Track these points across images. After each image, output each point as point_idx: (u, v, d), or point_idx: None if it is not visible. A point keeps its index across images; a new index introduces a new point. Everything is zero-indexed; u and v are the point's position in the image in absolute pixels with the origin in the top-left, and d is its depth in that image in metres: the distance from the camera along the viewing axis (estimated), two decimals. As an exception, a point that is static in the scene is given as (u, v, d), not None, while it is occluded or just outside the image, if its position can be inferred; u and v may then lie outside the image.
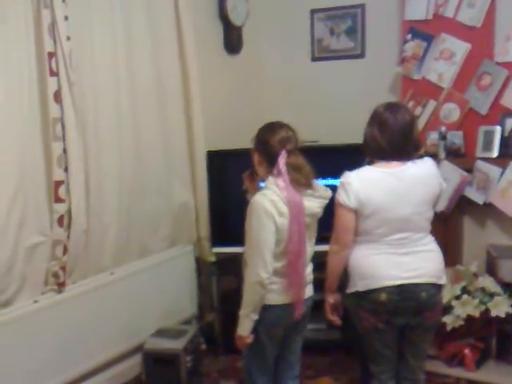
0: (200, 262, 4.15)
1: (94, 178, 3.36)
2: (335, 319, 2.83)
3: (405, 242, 2.64)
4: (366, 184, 2.62)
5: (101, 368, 3.43)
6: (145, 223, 3.75)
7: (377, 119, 2.67)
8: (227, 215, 3.98)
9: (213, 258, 4.09)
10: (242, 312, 2.62)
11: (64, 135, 3.12)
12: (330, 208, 2.71)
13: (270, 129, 2.66)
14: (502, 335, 3.66)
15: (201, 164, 4.03)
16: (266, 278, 2.54)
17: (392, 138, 2.62)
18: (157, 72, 3.74)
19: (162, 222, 3.89)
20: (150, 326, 3.49)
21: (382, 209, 2.61)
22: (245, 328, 2.62)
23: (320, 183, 2.71)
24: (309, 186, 2.61)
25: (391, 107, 2.68)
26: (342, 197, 2.64)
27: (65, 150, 3.14)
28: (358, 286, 2.68)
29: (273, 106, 4.66)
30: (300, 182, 2.57)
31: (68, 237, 3.20)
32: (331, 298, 2.81)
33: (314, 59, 4.61)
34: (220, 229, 4.00)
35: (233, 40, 4.45)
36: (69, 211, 3.19)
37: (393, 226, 2.62)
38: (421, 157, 2.72)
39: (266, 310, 2.63)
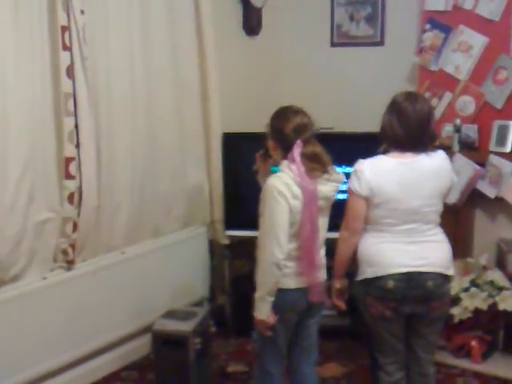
0: (213, 245, 3.96)
1: (106, 155, 3.17)
2: (340, 304, 2.71)
3: (413, 232, 2.52)
4: (378, 173, 2.48)
5: (109, 346, 3.30)
6: (158, 203, 3.56)
7: (396, 108, 2.52)
8: (241, 198, 3.78)
9: (226, 241, 3.90)
10: (258, 295, 2.43)
11: (76, 111, 2.93)
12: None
13: (284, 116, 2.46)
14: (509, 328, 3.49)
15: (216, 146, 3.82)
16: (282, 258, 2.37)
17: (409, 128, 2.48)
18: (173, 51, 3.52)
19: (176, 203, 3.69)
20: (161, 306, 3.30)
21: (393, 199, 2.48)
22: (262, 311, 2.44)
23: (334, 167, 2.54)
24: (325, 171, 2.45)
25: (411, 97, 2.53)
26: (354, 184, 2.51)
27: (76, 126, 2.95)
28: (366, 273, 2.55)
29: (290, 89, 4.42)
30: (316, 170, 2.41)
31: (78, 214, 3.03)
32: (338, 283, 2.68)
33: (333, 45, 4.36)
34: (234, 212, 3.82)
35: (252, 21, 4.21)
36: (79, 188, 3.02)
37: (402, 216, 2.50)
38: (435, 149, 2.56)
39: (278, 294, 2.44)
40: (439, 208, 2.57)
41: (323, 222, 2.52)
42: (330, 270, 2.65)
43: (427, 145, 2.52)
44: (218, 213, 3.88)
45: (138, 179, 3.39)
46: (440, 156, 2.57)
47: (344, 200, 2.57)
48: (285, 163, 2.42)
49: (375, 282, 2.52)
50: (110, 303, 3.22)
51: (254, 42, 4.25)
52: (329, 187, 2.47)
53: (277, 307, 2.46)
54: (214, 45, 3.71)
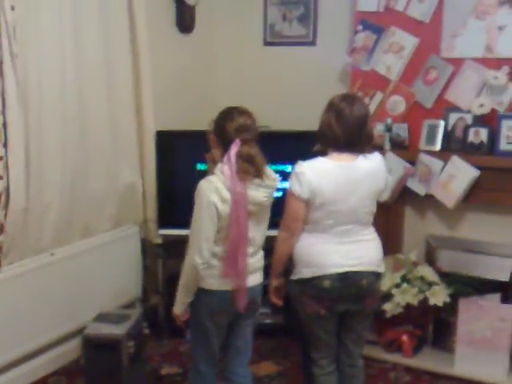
0: (146, 244, 3.92)
1: (35, 155, 3.09)
2: (277, 301, 2.75)
3: (349, 233, 2.59)
4: (318, 175, 2.52)
5: (39, 351, 3.21)
6: (89, 202, 3.50)
7: (333, 109, 2.56)
8: (175, 197, 3.77)
9: (159, 240, 3.89)
10: (178, 292, 2.53)
11: (4, 109, 2.84)
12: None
13: (229, 115, 2.48)
14: (438, 323, 3.62)
15: (149, 144, 3.80)
16: (200, 263, 2.42)
17: (348, 129, 2.53)
18: (105, 47, 3.47)
19: (107, 202, 3.64)
20: (92, 309, 3.23)
21: (332, 201, 2.53)
22: (179, 307, 2.54)
23: (270, 171, 2.56)
24: (258, 176, 2.47)
25: (348, 98, 2.59)
26: (294, 187, 2.53)
27: (4, 125, 2.86)
28: (302, 273, 2.60)
29: (224, 88, 4.45)
30: (248, 172, 2.43)
31: (5, 215, 2.93)
32: (275, 282, 2.72)
33: (266, 44, 4.39)
34: (167, 211, 3.80)
35: (185, 19, 4.18)
36: (6, 189, 2.92)
37: (340, 217, 2.55)
38: (371, 151, 2.63)
39: (207, 294, 2.50)
40: (373, 208, 2.64)
41: (257, 226, 2.53)
42: (266, 268, 2.67)
43: (364, 146, 2.58)
44: (151, 211, 3.86)
45: (68, 178, 3.31)
46: (376, 158, 2.64)
47: (282, 199, 2.59)
48: (218, 166, 2.44)
49: (311, 281, 2.56)
50: (39, 307, 3.14)
51: (188, 39, 4.23)
52: (260, 193, 2.48)
53: (206, 307, 2.51)
54: (147, 42, 3.68)
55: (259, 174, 2.46)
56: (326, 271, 2.54)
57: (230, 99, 4.01)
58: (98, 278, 3.51)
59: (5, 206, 2.92)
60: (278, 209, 2.60)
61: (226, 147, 2.44)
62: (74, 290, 3.35)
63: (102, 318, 3.03)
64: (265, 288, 2.69)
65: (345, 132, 2.51)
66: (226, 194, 2.39)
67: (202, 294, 2.50)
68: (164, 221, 3.80)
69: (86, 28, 3.30)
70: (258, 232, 2.54)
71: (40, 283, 3.15)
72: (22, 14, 2.88)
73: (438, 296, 3.39)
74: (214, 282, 2.49)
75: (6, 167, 2.90)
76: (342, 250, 2.56)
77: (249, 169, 2.42)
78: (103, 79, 3.46)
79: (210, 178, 2.44)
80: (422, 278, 3.47)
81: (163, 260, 3.85)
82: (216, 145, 2.50)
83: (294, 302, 2.68)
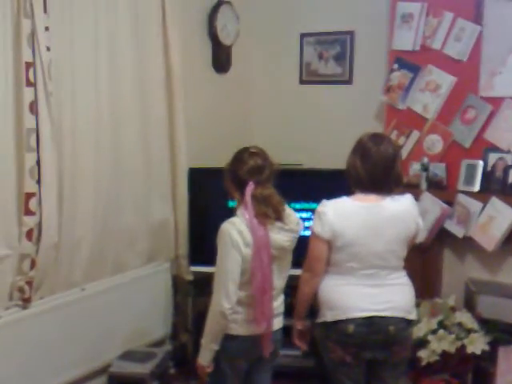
0: (177, 281, 3.92)
1: (68, 191, 3.15)
2: (302, 345, 2.70)
3: (375, 276, 2.52)
4: (341, 216, 2.49)
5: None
6: (120, 238, 3.52)
7: (360, 148, 2.54)
8: (207, 234, 3.70)
9: (190, 277, 3.88)
10: (203, 340, 2.49)
11: (38, 146, 2.91)
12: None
13: (240, 158, 2.50)
14: (478, 372, 3.48)
15: (182, 180, 3.82)
16: (228, 308, 2.39)
17: (373, 170, 2.50)
18: (140, 86, 3.54)
19: (139, 238, 3.66)
20: (121, 345, 3.27)
21: (355, 243, 2.47)
22: (204, 357, 2.49)
23: (294, 215, 2.53)
24: (278, 218, 2.44)
25: (376, 138, 2.57)
26: (316, 226, 2.51)
27: (38, 162, 2.92)
28: (326, 316, 2.54)
29: (259, 126, 4.49)
30: (267, 215, 2.41)
31: (37, 251, 2.98)
32: (299, 325, 2.68)
33: (302, 82, 4.44)
34: (199, 247, 3.81)
35: (221, 59, 4.26)
36: (39, 224, 2.97)
37: (364, 261, 2.49)
38: (402, 192, 2.58)
39: (228, 340, 2.47)
40: (403, 254, 2.57)
41: (279, 270, 2.51)
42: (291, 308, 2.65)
43: (392, 188, 2.53)
44: (183, 248, 3.87)
45: (100, 213, 3.35)
46: (407, 200, 2.58)
47: (307, 237, 2.57)
48: (240, 208, 2.44)
49: (335, 325, 2.50)
50: (68, 342, 3.15)
51: (224, 79, 4.31)
52: (284, 237, 2.46)
53: (226, 353, 2.47)
54: (182, 81, 3.74)
55: (279, 215, 2.43)
56: (350, 315, 2.47)
57: (265, 137, 4.09)
58: (128, 314, 3.51)
59: (37, 241, 2.97)
60: (303, 247, 2.57)
61: (242, 190, 2.44)
62: (103, 325, 3.35)
63: (127, 355, 3.05)
64: (289, 330, 2.65)
65: (370, 172, 2.48)
66: (249, 238, 2.38)
67: (223, 339, 2.46)
68: (195, 257, 3.80)
69: (120, 65, 3.38)
70: (279, 276, 2.51)
71: (70, 318, 3.17)
72: (58, 53, 2.98)
73: (477, 344, 3.29)
74: (236, 327, 2.47)
75: (39, 203, 2.95)
76: (368, 293, 2.50)
77: (266, 211, 2.40)
78: (137, 116, 3.53)
79: (233, 219, 2.44)
80: (460, 325, 3.37)
81: (193, 297, 3.85)
82: (233, 188, 2.51)
83: (319, 346, 2.62)
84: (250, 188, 2.40)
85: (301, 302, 2.62)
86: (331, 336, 2.52)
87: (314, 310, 2.63)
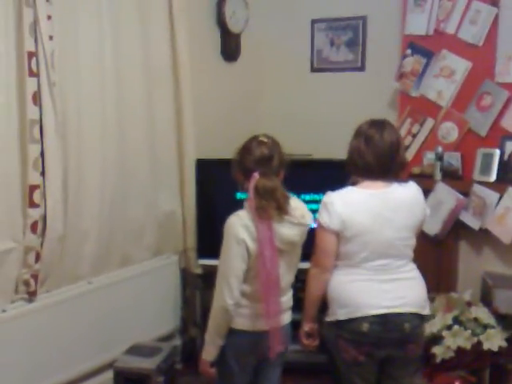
0: (185, 274, 3.95)
1: (74, 183, 3.18)
2: (310, 343, 2.66)
3: (387, 269, 2.49)
4: (349, 205, 2.47)
5: (73, 381, 3.22)
6: (127, 231, 3.56)
7: (362, 135, 2.52)
8: (215, 226, 3.68)
9: (198, 270, 3.90)
10: (207, 336, 2.49)
11: (42, 138, 2.94)
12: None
13: (247, 147, 2.48)
14: (495, 369, 3.43)
15: (189, 172, 3.85)
16: (231, 304, 2.40)
17: (379, 155, 2.48)
18: (147, 76, 3.57)
19: (146, 231, 3.70)
20: (129, 340, 3.30)
21: (365, 231, 2.45)
22: (209, 353, 2.49)
23: (301, 207, 2.52)
24: (282, 212, 2.41)
25: (377, 125, 2.54)
26: (323, 218, 2.48)
27: (42, 153, 2.96)
28: (337, 314, 2.50)
29: (269, 115, 4.50)
30: (266, 209, 2.37)
31: (41, 244, 3.02)
32: (306, 326, 2.64)
33: (314, 70, 4.44)
34: (207, 240, 3.82)
35: (230, 47, 4.28)
36: (43, 217, 3.01)
37: (375, 250, 2.47)
38: (406, 180, 2.58)
39: (234, 334, 2.47)
40: (413, 242, 2.55)
41: (288, 265, 2.49)
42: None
43: (398, 174, 2.52)
44: (191, 240, 3.89)
45: (107, 206, 3.39)
46: (412, 187, 2.57)
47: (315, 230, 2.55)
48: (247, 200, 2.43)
49: (348, 324, 2.46)
50: (74, 336, 3.19)
51: (233, 67, 4.32)
52: (292, 231, 2.43)
53: (233, 348, 2.47)
54: (190, 70, 3.76)
55: (282, 209, 2.40)
56: (363, 312, 2.43)
57: (275, 127, 4.06)
58: (136, 308, 3.54)
59: (41, 233, 3.01)
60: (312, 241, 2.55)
61: (248, 180, 2.42)
62: (110, 319, 3.39)
63: (133, 350, 3.08)
64: (298, 324, 2.64)
65: (377, 159, 2.46)
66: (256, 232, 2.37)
67: (229, 334, 2.46)
68: (203, 250, 3.82)
69: (126, 55, 3.40)
70: (288, 271, 2.50)
71: (76, 312, 3.21)
72: (62, 43, 3.00)
73: (493, 340, 3.24)
74: (243, 321, 2.46)
75: (44, 195, 2.99)
76: (381, 289, 2.46)
77: (267, 205, 2.36)
78: (144, 106, 3.56)
79: (240, 213, 2.43)
80: (476, 320, 3.33)
81: (201, 291, 3.88)
82: (241, 179, 2.49)
83: (329, 346, 2.59)
84: (253, 179, 2.38)
85: (310, 301, 2.57)
86: (343, 335, 2.48)
87: (323, 307, 2.60)
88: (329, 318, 2.54)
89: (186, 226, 3.91)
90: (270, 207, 2.37)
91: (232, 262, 2.38)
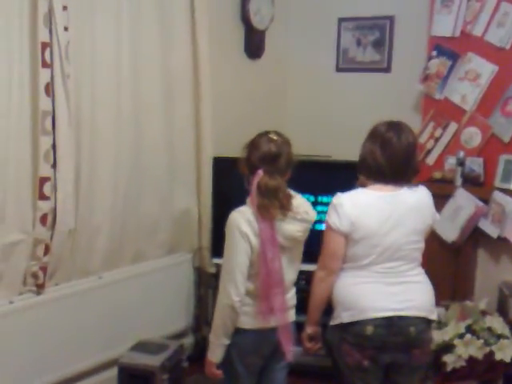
0: (199, 273, 3.93)
1: (86, 176, 3.18)
2: (311, 347, 2.62)
3: (394, 272, 2.44)
4: (358, 207, 2.43)
5: (76, 378, 3.22)
6: (141, 227, 3.55)
7: (378, 137, 2.47)
8: None
9: (212, 269, 3.87)
10: (212, 336, 2.45)
11: (54, 129, 2.94)
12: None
13: (255, 143, 2.45)
14: (508, 380, 3.36)
15: (206, 170, 3.82)
16: (237, 301, 2.36)
17: (394, 159, 2.43)
18: (165, 70, 3.54)
19: (161, 228, 3.68)
20: (138, 336, 3.28)
21: (373, 234, 2.41)
22: (214, 353, 2.44)
23: (305, 204, 2.49)
24: (285, 210, 2.38)
25: (394, 127, 2.48)
26: (332, 219, 2.44)
27: (54, 146, 2.96)
28: (342, 317, 2.46)
29: (290, 114, 4.46)
30: (267, 209, 2.34)
31: (51, 236, 3.02)
32: (309, 329, 2.60)
33: (339, 70, 4.38)
34: (222, 239, 3.76)
35: (254, 44, 4.24)
36: (53, 210, 3.01)
37: (383, 253, 2.43)
38: (417, 184, 2.52)
39: (239, 334, 2.43)
40: (421, 246, 2.51)
41: (290, 262, 2.46)
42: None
43: (410, 178, 2.48)
44: (206, 239, 3.87)
45: (120, 201, 3.38)
46: (422, 191, 2.53)
47: (320, 230, 2.53)
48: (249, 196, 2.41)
49: (352, 327, 2.42)
50: (82, 330, 3.19)
51: (256, 65, 4.29)
52: (296, 227, 2.41)
53: (237, 348, 2.43)
54: (211, 66, 3.73)
55: (284, 209, 2.37)
56: (368, 315, 2.40)
57: (297, 126, 4.04)
58: (147, 305, 3.53)
59: (51, 226, 3.01)
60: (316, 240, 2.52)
61: (252, 177, 2.41)
62: (120, 315, 3.38)
63: (139, 347, 3.06)
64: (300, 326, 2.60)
65: (390, 163, 2.42)
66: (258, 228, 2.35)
67: (233, 334, 2.43)
68: (218, 249, 3.77)
69: (144, 50, 3.39)
70: (290, 268, 2.47)
71: (85, 307, 3.20)
72: (77, 34, 3.00)
73: (506, 351, 3.18)
74: (247, 320, 2.43)
75: (54, 188, 2.99)
76: (387, 292, 2.42)
77: (269, 204, 2.34)
78: (161, 101, 3.54)
79: (242, 208, 2.41)
80: (489, 330, 3.26)
81: (214, 290, 3.84)
82: (246, 173, 2.47)
83: (333, 351, 2.54)
84: (257, 176, 2.36)
85: (314, 303, 2.53)
86: (347, 338, 2.44)
87: (327, 311, 2.56)
88: (333, 322, 2.50)
89: (202, 225, 3.88)
90: (273, 206, 2.35)
91: (237, 258, 2.35)
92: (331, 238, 2.44)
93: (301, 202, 2.47)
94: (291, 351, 2.48)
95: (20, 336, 2.93)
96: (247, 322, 2.43)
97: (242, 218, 2.37)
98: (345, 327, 2.44)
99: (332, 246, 2.45)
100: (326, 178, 3.46)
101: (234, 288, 2.35)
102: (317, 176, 3.46)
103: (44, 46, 2.83)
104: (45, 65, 2.85)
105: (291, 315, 2.54)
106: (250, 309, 2.42)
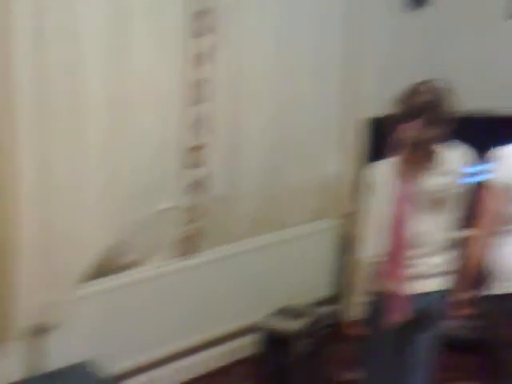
0: (346, 240, 3.82)
1: (235, 144, 3.17)
2: (462, 314, 2.43)
3: None
4: None
5: (219, 340, 3.32)
6: (289, 193, 3.51)
7: None
8: None
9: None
10: (351, 296, 2.39)
11: (209, 98, 2.94)
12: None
13: (405, 93, 2.25)
14: None
15: (359, 132, 3.62)
16: (372, 256, 2.26)
17: None
18: (317, 27, 3.36)
19: (308, 194, 3.63)
20: (279, 302, 3.30)
21: None
22: (352, 313, 2.39)
23: (457, 156, 2.29)
24: (431, 164, 2.22)
25: None
26: (494, 173, 2.29)
27: (207, 114, 2.96)
28: (502, 287, 2.30)
29: (454, 70, 4.09)
30: (413, 164, 2.20)
31: (202, 203, 3.08)
32: (464, 294, 2.39)
33: (510, 17, 3.94)
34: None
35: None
36: (205, 177, 3.06)
37: None
38: None
39: (377, 297, 2.31)
40: None
41: (436, 221, 2.27)
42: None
43: None
44: (355, 206, 3.73)
45: (268, 167, 3.35)
46: None
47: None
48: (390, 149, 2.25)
49: None
50: (227, 295, 3.29)
51: (418, 16, 3.97)
52: (437, 181, 2.23)
53: (374, 313, 2.32)
54: (369, 20, 3.55)
55: (430, 163, 2.22)
56: None
57: (462, 81, 3.71)
58: (290, 271, 3.53)
59: (202, 193, 3.06)
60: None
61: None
62: (264, 281, 3.42)
63: (281, 312, 3.08)
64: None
65: None
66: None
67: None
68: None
69: (299, 11, 3.27)
70: (436, 228, 2.28)
71: (230, 272, 3.28)
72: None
73: None
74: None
75: (207, 156, 3.02)
76: None
77: (416, 159, 2.19)
78: (311, 63, 3.40)
79: (380, 163, 2.29)
80: None
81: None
82: (394, 127, 2.25)
83: (490, 323, 2.39)
84: (407, 128, 2.18)
85: (471, 267, 2.34)
86: (508, 312, 2.28)
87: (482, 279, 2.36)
88: (492, 292, 2.33)
89: (353, 190, 3.74)
90: (419, 161, 2.21)
91: (374, 212, 2.25)
92: (492, 193, 2.28)
93: (450, 155, 2.28)
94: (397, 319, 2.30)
95: (169, 298, 3.07)
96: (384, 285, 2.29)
97: (380, 172, 2.26)
98: (505, 298, 2.28)
99: (492, 202, 2.28)
100: (489, 132, 3.20)
101: (370, 243, 2.26)
102: (480, 131, 3.23)
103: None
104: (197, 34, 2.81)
105: (435, 284, 2.33)
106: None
